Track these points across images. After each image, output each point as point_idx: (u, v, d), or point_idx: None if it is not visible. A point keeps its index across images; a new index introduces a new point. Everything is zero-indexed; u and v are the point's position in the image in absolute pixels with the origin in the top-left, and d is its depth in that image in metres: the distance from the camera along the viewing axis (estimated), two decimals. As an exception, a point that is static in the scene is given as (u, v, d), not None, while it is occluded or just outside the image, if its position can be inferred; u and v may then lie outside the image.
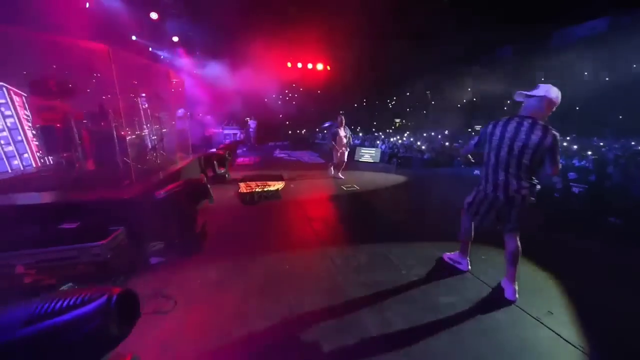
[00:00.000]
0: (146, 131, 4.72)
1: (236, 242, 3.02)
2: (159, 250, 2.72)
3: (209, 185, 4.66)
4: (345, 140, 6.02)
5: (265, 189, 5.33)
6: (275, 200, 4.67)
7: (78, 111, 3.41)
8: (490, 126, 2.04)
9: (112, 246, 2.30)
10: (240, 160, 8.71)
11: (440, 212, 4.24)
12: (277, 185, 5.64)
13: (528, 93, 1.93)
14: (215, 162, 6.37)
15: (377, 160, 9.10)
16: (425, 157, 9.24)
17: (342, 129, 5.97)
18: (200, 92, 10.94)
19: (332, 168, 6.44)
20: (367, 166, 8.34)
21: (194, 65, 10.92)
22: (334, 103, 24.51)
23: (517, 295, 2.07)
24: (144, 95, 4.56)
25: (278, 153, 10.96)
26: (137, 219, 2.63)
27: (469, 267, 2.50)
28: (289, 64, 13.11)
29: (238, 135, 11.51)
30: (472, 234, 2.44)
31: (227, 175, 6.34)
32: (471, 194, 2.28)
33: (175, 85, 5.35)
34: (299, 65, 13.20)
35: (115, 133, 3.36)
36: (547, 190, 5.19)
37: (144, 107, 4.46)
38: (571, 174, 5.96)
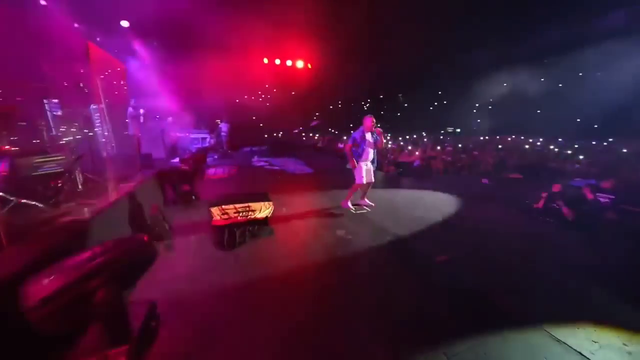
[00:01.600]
0: (66, 141, 3.09)
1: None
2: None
3: (164, 219, 3.18)
4: (371, 154, 4.29)
5: (250, 218, 3.92)
6: (266, 239, 3.32)
7: None
8: None
9: None
10: (211, 172, 7.11)
11: (521, 258, 3.20)
12: (264, 210, 4.25)
13: None
14: (177, 179, 4.80)
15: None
16: (417, 163, 8.44)
17: (369, 135, 4.19)
18: (158, 88, 9.06)
19: (348, 200, 4.44)
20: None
21: (149, 55, 9.01)
22: (312, 104, 23.37)
23: None
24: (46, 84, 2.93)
25: (257, 161, 9.46)
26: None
27: None
28: (266, 60, 11.68)
29: (208, 140, 9.77)
30: None
31: (193, 197, 4.80)
32: None
33: (112, 76, 3.75)
34: (277, 61, 11.83)
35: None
36: (577, 201, 4.49)
37: (52, 107, 2.84)
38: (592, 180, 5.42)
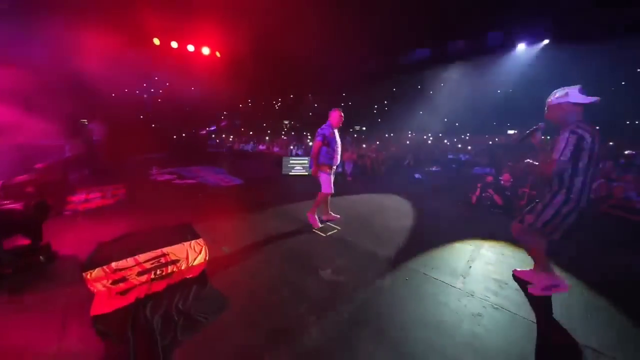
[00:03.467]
0: None
1: None
2: None
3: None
4: (338, 156, 3.43)
5: (172, 279, 2.33)
6: (215, 322, 1.91)
7: None
8: (588, 136, 1.83)
9: None
10: (80, 199, 4.51)
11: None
12: (193, 257, 2.70)
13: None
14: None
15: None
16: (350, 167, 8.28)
17: (337, 132, 3.39)
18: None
19: (314, 214, 3.54)
20: (306, 182, 6.37)
21: None
22: (221, 100, 20.57)
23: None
24: None
25: (158, 174, 7.00)
26: None
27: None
28: (157, 41, 8.92)
29: (67, 150, 6.47)
30: None
31: (42, 257, 2.63)
32: (546, 211, 2.02)
33: None
34: (174, 44, 9.26)
35: None
36: (500, 188, 5.12)
37: None
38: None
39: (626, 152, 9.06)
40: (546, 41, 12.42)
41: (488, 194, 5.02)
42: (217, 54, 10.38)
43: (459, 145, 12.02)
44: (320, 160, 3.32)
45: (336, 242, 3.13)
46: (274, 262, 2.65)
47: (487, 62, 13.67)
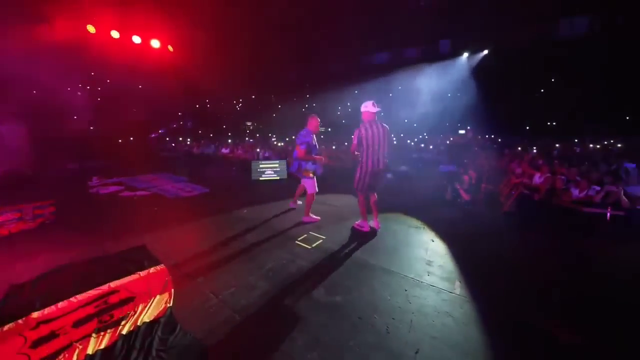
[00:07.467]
0: None
1: None
2: None
3: None
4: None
5: (129, 328, 1.79)
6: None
7: None
8: (363, 130, 3.10)
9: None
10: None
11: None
12: (152, 294, 2.15)
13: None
14: None
15: (285, 176, 6.89)
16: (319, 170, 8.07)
17: (314, 137, 3.70)
18: None
19: (310, 214, 3.90)
20: (279, 187, 5.92)
21: None
22: (175, 100, 18.72)
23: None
24: None
25: (99, 185, 5.90)
26: None
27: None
28: (92, 29, 7.61)
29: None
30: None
31: None
32: (356, 175, 3.29)
33: None
34: (115, 34, 8.00)
35: None
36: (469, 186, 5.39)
37: None
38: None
39: (557, 145, 10.48)
40: (485, 51, 14.04)
41: (457, 191, 5.23)
42: (170, 48, 9.29)
43: (422, 145, 12.69)
44: (304, 166, 3.60)
45: (323, 254, 2.84)
46: (259, 286, 2.25)
47: (438, 68, 14.85)
